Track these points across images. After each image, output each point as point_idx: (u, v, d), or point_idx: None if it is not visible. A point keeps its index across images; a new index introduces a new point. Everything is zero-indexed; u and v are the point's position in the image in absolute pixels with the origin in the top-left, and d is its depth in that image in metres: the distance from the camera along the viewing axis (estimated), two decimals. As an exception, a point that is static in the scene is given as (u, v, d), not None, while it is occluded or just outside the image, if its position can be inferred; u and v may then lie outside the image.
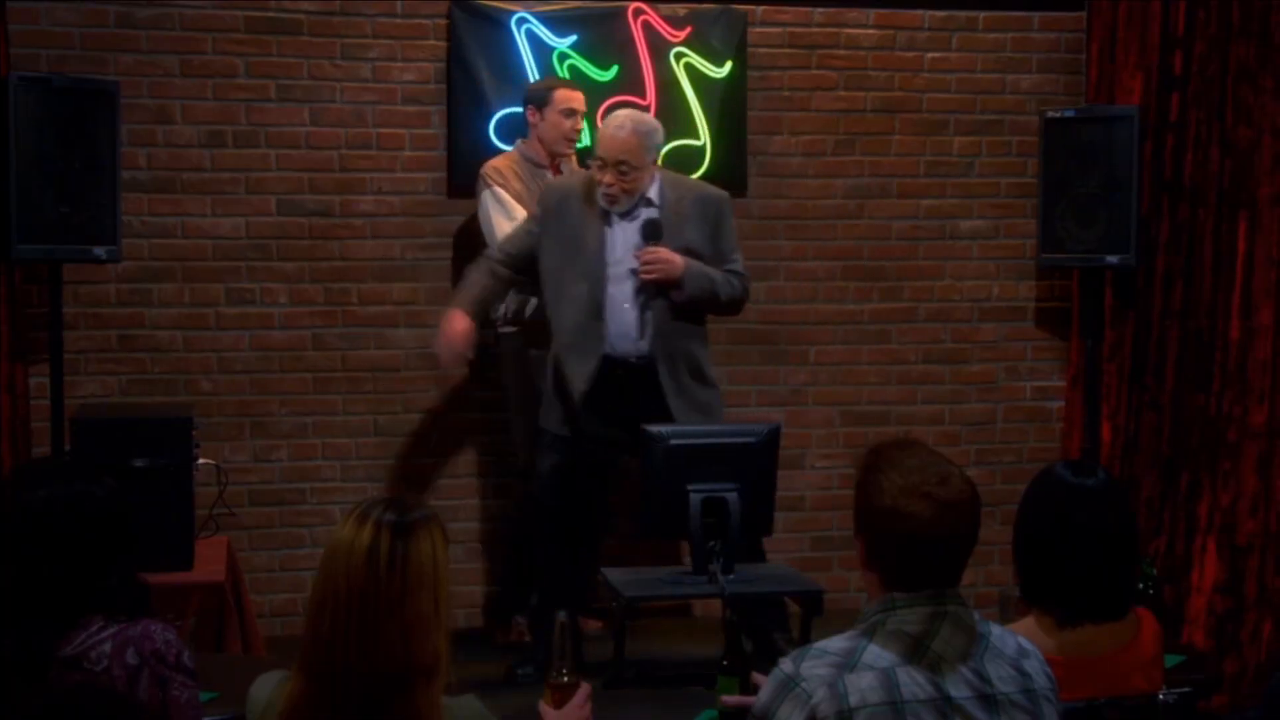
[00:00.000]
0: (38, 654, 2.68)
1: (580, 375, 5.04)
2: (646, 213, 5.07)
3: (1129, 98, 5.74)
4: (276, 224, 5.74)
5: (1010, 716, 2.45)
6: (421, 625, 2.35)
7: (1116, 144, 5.63)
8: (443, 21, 5.81)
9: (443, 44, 5.82)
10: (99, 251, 5.07)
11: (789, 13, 6.07)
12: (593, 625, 5.53)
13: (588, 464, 5.15)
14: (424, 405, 5.85)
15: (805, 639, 4.35)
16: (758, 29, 6.03)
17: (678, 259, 5.02)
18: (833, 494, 6.07)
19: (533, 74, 5.79)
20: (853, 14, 6.11)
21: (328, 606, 2.35)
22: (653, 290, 5.03)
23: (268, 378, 5.75)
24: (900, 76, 6.16)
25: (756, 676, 2.85)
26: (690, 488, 4.45)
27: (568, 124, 5.53)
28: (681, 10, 5.96)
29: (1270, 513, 5.28)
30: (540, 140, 5.55)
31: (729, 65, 5.97)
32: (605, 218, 5.09)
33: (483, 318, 5.31)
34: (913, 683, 2.40)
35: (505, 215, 5.38)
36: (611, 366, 5.06)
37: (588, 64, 5.87)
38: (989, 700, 2.44)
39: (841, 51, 6.12)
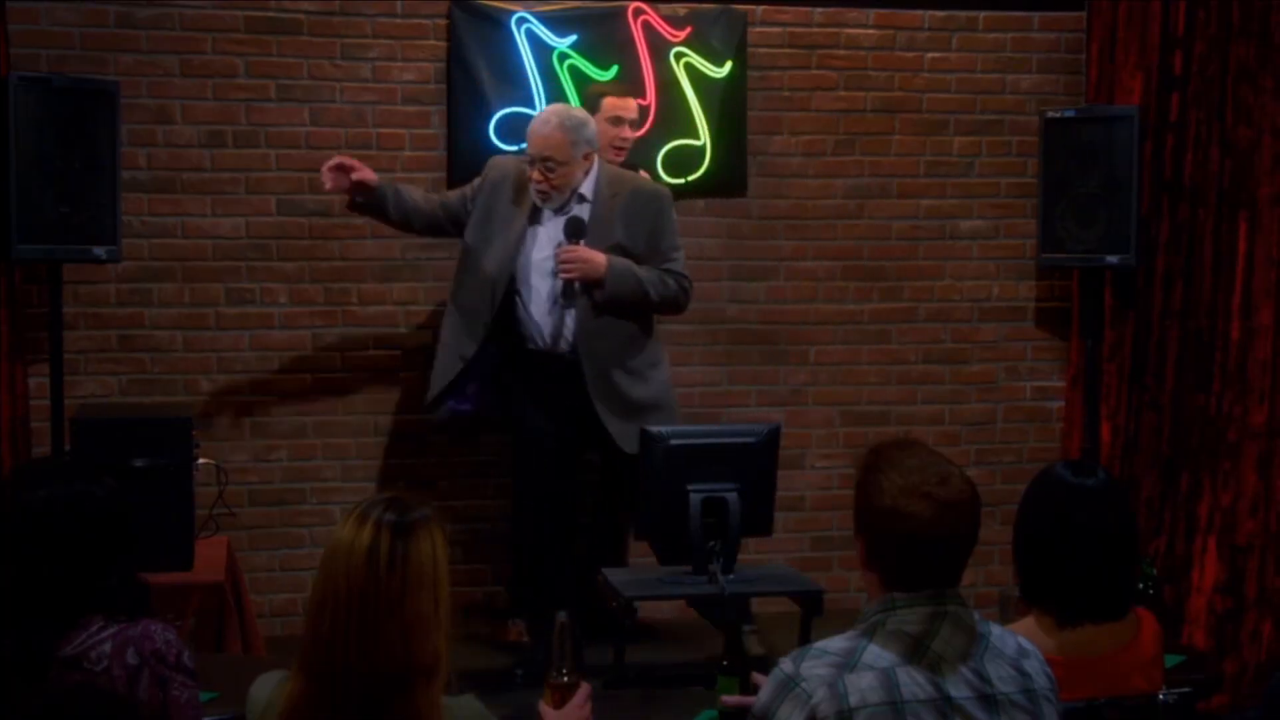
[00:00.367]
0: (38, 654, 2.68)
1: (452, 359, 5.12)
2: (576, 209, 5.07)
3: (1129, 98, 5.74)
4: (276, 224, 5.74)
5: (1010, 716, 2.45)
6: (421, 625, 2.35)
7: (1116, 144, 5.63)
8: (443, 21, 5.81)
9: (443, 44, 5.81)
10: (99, 251, 5.07)
11: (789, 13, 6.07)
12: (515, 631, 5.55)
13: (555, 460, 5.16)
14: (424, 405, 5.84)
15: (805, 639, 4.35)
16: (758, 29, 6.03)
17: (599, 257, 4.99)
18: (833, 494, 6.07)
19: (533, 74, 5.79)
20: (853, 14, 6.11)
21: (328, 606, 2.35)
22: (575, 289, 5.02)
23: (268, 378, 5.75)
24: (900, 76, 6.16)
25: (756, 676, 2.85)
26: (690, 488, 4.45)
27: (613, 132, 5.47)
28: (681, 10, 5.96)
29: (1270, 513, 5.28)
30: None
31: (729, 65, 5.97)
32: (535, 213, 5.09)
33: (393, 213, 5.22)
34: (913, 683, 2.40)
35: None
36: (539, 361, 5.08)
37: (588, 64, 5.86)
38: (989, 700, 2.44)
39: (841, 51, 6.12)
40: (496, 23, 5.80)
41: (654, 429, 4.60)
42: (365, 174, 5.14)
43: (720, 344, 5.86)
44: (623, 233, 5.07)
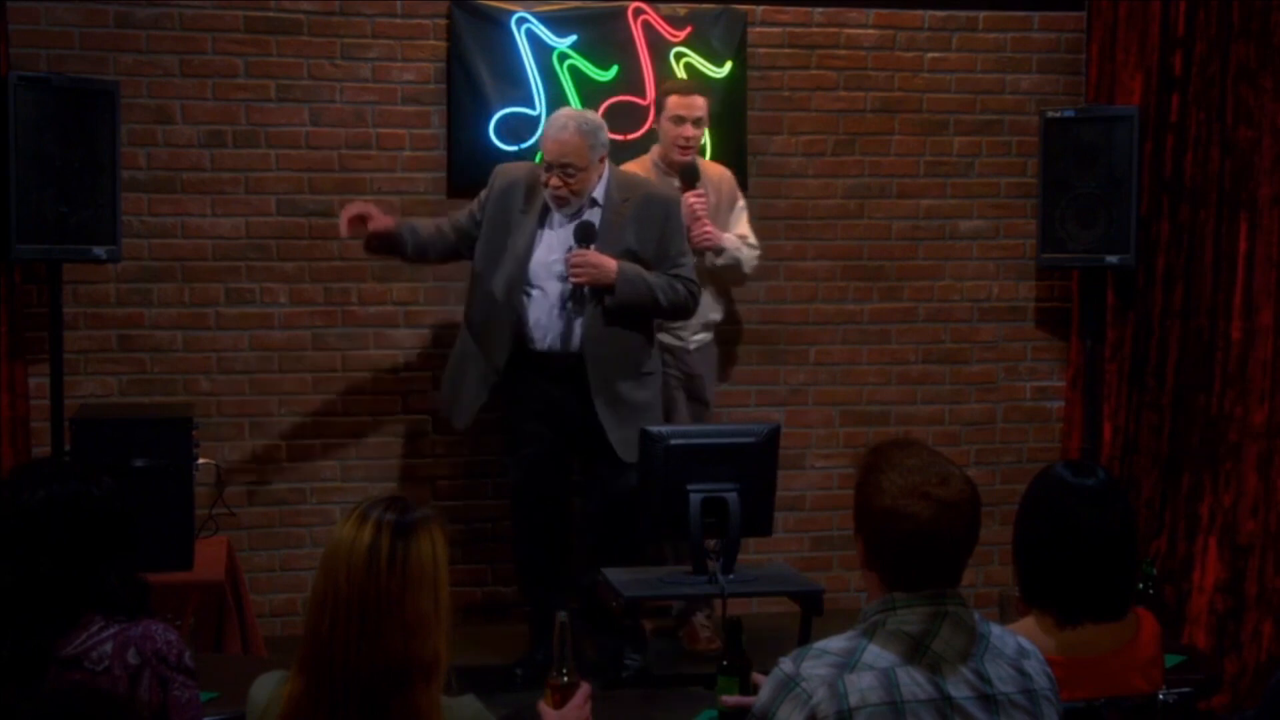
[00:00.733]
0: (36, 654, 2.68)
1: (476, 376, 5.09)
2: (588, 214, 5.04)
3: (1129, 98, 5.74)
4: (276, 224, 5.74)
5: (1010, 716, 2.44)
6: (421, 625, 2.35)
7: (1116, 144, 5.63)
8: (443, 21, 5.81)
9: (443, 44, 5.81)
10: (99, 251, 5.07)
11: (789, 13, 6.06)
12: None
13: (547, 463, 5.17)
14: (424, 405, 5.84)
15: (805, 639, 4.35)
16: (758, 29, 6.03)
17: (609, 263, 4.96)
18: (833, 494, 6.07)
19: (533, 74, 5.79)
20: (853, 14, 6.11)
21: (327, 606, 2.35)
22: (584, 293, 4.99)
23: (268, 378, 5.75)
24: (900, 76, 6.16)
25: (756, 676, 2.86)
26: (690, 488, 4.45)
27: (675, 131, 5.44)
28: (681, 10, 5.96)
29: (1271, 513, 5.28)
30: (660, 145, 5.52)
31: (729, 65, 5.97)
32: (543, 218, 5.07)
33: (411, 252, 5.21)
34: (913, 683, 2.40)
35: None
36: (541, 363, 5.06)
37: (587, 64, 5.86)
38: (989, 700, 2.44)
39: (841, 51, 6.12)
40: (496, 23, 5.80)
41: (654, 429, 4.59)
42: (381, 223, 5.08)
43: (720, 344, 5.85)
44: (634, 238, 5.05)
